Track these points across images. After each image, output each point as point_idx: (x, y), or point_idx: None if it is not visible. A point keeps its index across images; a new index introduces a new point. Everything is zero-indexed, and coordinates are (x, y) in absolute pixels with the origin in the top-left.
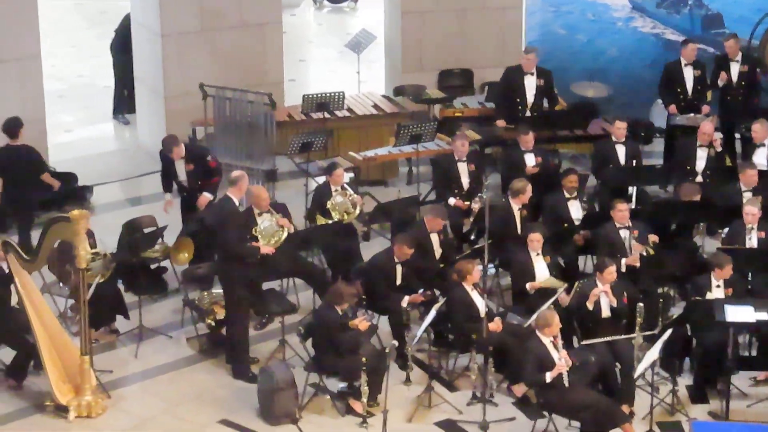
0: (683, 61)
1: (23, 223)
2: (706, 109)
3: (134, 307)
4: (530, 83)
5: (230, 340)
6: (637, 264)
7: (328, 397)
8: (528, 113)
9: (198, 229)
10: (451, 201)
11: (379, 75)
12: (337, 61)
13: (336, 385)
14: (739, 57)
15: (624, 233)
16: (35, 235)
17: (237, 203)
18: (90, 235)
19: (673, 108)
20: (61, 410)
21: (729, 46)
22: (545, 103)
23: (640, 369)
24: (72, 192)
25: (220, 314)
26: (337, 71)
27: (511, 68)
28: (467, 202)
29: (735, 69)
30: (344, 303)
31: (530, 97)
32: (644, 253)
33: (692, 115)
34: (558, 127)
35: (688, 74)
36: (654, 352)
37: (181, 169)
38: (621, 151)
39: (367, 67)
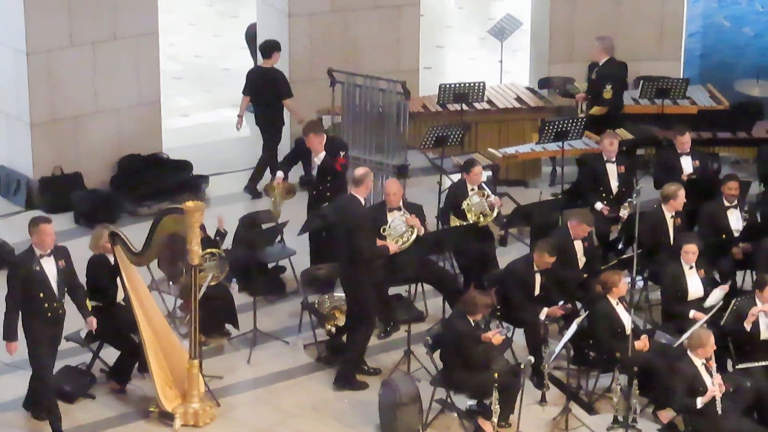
0: None
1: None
2: None
3: (248, 309)
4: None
5: (348, 347)
6: None
7: (456, 414)
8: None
9: (321, 226)
10: (598, 205)
11: (523, 65)
12: (478, 48)
13: (465, 402)
14: None
15: None
16: (144, 227)
17: (363, 203)
18: (202, 228)
19: None
20: (167, 417)
21: None
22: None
23: None
24: (186, 182)
25: (341, 320)
26: (477, 59)
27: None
28: (615, 209)
29: None
30: (477, 313)
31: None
32: None
33: None
34: (719, 129)
35: None
36: None
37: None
38: None
39: (511, 56)
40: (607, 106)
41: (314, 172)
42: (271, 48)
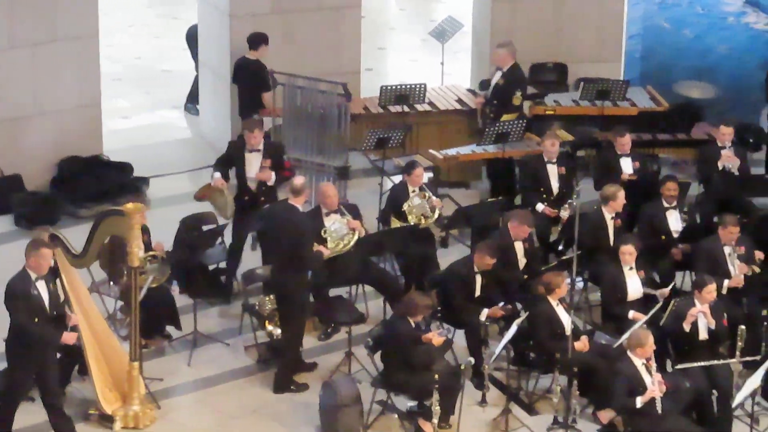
0: None
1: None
2: None
3: (189, 311)
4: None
5: (283, 349)
6: (741, 285)
7: (396, 416)
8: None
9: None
10: (539, 207)
11: (464, 67)
12: (419, 50)
13: (405, 403)
14: None
15: (728, 249)
16: (85, 229)
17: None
18: (145, 231)
19: None
20: (107, 420)
21: None
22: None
23: (739, 398)
24: (127, 183)
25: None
26: (418, 61)
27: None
28: (555, 210)
29: None
30: (418, 314)
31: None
32: (749, 273)
33: None
34: (659, 130)
35: None
36: (755, 380)
37: (252, 164)
38: (727, 153)
39: (452, 58)
40: (517, 112)
41: (250, 175)
42: (258, 40)
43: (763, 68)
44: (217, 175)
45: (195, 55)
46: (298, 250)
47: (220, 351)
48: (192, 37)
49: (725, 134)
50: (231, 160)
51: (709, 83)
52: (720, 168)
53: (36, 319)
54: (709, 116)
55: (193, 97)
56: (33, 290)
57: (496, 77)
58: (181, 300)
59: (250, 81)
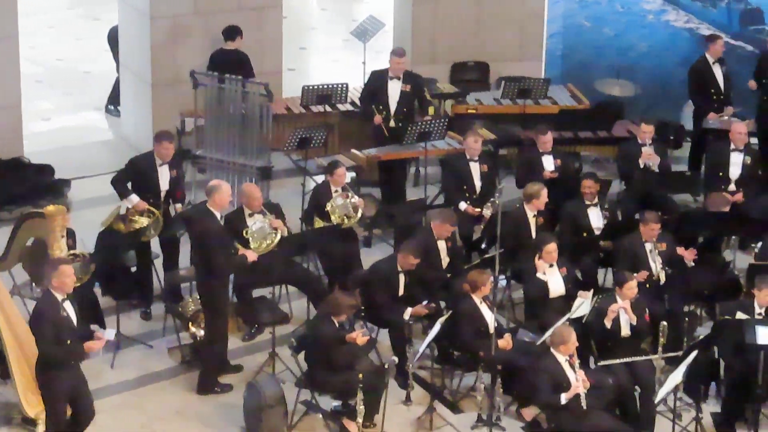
0: (710, 59)
1: None
2: (729, 110)
3: (112, 313)
4: (395, 88)
5: (206, 350)
6: (644, 278)
7: (321, 416)
8: (392, 122)
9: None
10: (462, 206)
11: (386, 66)
12: (341, 50)
13: (329, 403)
14: None
15: (649, 246)
16: (5, 232)
17: (218, 216)
18: (70, 234)
19: (712, 116)
20: (29, 423)
21: None
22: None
23: (661, 393)
24: (48, 185)
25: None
26: (340, 61)
27: (376, 71)
28: (478, 209)
29: None
30: (341, 314)
31: (393, 104)
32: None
33: (726, 117)
34: (580, 128)
35: (718, 72)
36: (677, 376)
37: (164, 177)
38: (648, 151)
39: (374, 58)
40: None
41: (163, 188)
42: (233, 32)
43: (683, 65)
44: (135, 198)
45: (116, 56)
46: (206, 254)
47: (143, 353)
48: (113, 39)
49: (646, 132)
50: (139, 176)
51: (629, 81)
52: (641, 166)
53: (69, 342)
54: (630, 114)
55: (114, 99)
56: (62, 312)
57: (398, 86)
58: (103, 303)
59: (237, 70)
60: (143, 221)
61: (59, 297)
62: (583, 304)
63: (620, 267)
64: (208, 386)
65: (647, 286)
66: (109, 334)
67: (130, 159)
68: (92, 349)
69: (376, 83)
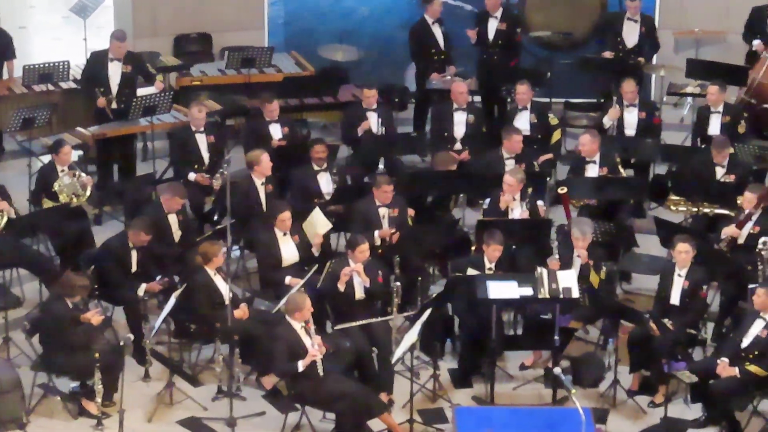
0: (429, 20)
1: None
2: (451, 69)
3: None
4: (116, 70)
5: None
6: (388, 236)
7: (59, 398)
8: (114, 104)
9: None
10: (192, 176)
11: (108, 42)
12: (61, 27)
13: (67, 384)
14: (498, 13)
15: (383, 210)
16: None
17: None
18: None
19: (435, 76)
20: None
21: (488, 1)
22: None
23: (398, 353)
24: None
25: None
26: (62, 39)
27: (96, 53)
28: (208, 177)
29: (493, 26)
30: (75, 294)
31: (114, 86)
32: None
33: (448, 77)
34: (305, 95)
35: (438, 33)
36: (412, 335)
37: None
38: (373, 118)
39: (96, 34)
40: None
41: None
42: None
43: (404, 28)
44: None
45: None
46: None
47: None
48: None
49: (369, 96)
50: None
51: (352, 46)
52: (367, 130)
53: None
54: (355, 78)
55: None
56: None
57: (119, 67)
58: None
59: None
60: None
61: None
62: (315, 268)
63: (354, 231)
64: None
65: (379, 250)
66: None
67: None
68: None
69: (96, 65)
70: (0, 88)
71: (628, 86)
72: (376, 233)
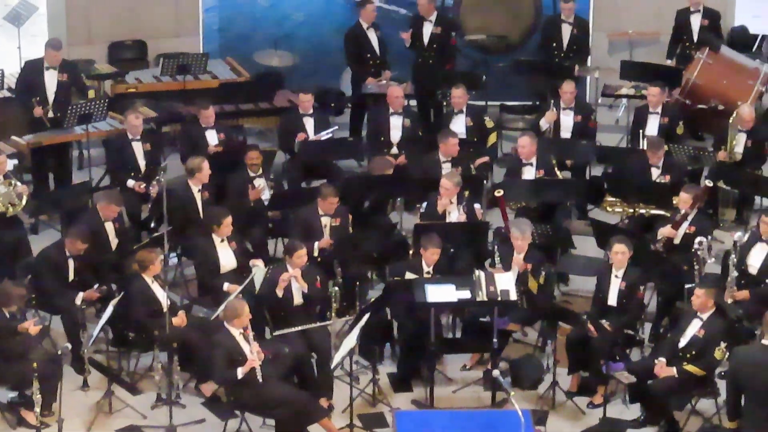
0: (364, 25)
1: None
2: (387, 74)
3: None
4: (51, 79)
5: None
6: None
7: None
8: (50, 113)
9: None
10: (130, 182)
11: (42, 51)
12: None
13: (5, 394)
14: (433, 17)
15: (326, 220)
16: None
17: None
18: None
19: (371, 80)
20: None
21: (422, 5)
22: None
23: (337, 358)
24: None
25: None
26: None
27: (31, 62)
28: (144, 184)
29: (428, 30)
30: (11, 304)
31: (51, 95)
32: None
33: (384, 81)
34: (241, 101)
35: (373, 37)
36: (351, 340)
37: None
38: (309, 123)
39: (30, 42)
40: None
41: None
42: None
43: (339, 32)
44: None
45: None
46: None
47: None
48: None
49: (305, 101)
50: None
51: (287, 51)
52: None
53: None
54: (291, 83)
55: None
56: None
57: (55, 76)
58: None
59: None
60: None
61: None
62: (256, 274)
63: (294, 237)
64: None
65: (317, 257)
66: None
67: None
68: None
69: (32, 74)
70: None
71: (568, 86)
72: (316, 244)
